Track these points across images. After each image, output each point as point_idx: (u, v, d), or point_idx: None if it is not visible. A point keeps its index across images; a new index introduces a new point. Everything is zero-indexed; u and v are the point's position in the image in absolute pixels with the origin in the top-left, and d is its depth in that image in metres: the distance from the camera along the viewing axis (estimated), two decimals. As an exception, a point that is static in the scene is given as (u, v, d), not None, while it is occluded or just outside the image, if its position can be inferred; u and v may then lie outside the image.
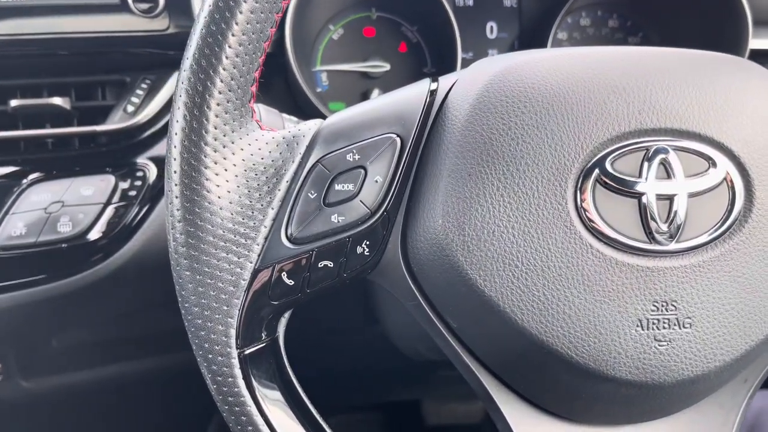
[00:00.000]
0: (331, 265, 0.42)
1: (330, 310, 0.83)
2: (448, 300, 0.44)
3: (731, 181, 0.42)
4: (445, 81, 0.46)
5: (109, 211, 0.65)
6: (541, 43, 0.86)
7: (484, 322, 0.43)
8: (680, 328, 0.42)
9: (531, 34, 0.87)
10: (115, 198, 0.66)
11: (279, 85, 0.77)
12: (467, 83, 0.44)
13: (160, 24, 0.66)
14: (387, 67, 0.85)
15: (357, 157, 0.43)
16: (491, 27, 0.88)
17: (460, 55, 0.79)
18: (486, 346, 0.44)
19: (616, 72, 0.43)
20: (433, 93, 0.45)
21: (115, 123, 0.68)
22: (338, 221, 0.42)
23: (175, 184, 0.41)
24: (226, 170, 0.41)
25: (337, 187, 0.42)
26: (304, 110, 0.75)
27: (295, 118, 0.58)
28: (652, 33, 0.88)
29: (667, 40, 0.86)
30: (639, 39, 0.89)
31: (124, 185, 0.66)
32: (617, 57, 0.45)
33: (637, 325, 0.41)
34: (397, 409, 1.45)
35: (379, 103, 0.45)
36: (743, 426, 0.75)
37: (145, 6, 0.65)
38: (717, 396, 0.47)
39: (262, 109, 0.55)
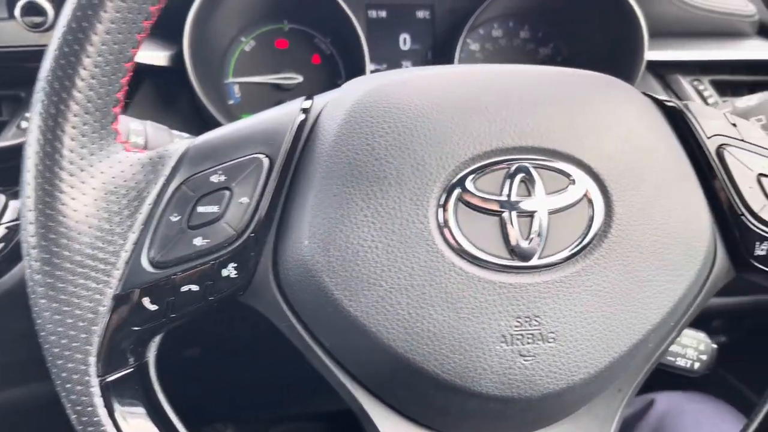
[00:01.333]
0: (197, 289, 0.42)
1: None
2: (318, 320, 0.43)
3: (591, 197, 0.43)
4: (320, 100, 0.46)
5: (0, 230, 0.64)
6: (451, 55, 0.87)
7: (353, 342, 0.43)
8: (544, 343, 0.42)
9: (444, 46, 0.88)
10: (6, 217, 0.64)
11: (186, 101, 0.76)
12: (337, 103, 0.44)
13: (50, 38, 0.65)
14: (300, 79, 0.85)
15: (222, 178, 0.42)
16: (404, 39, 0.89)
17: (368, 67, 0.79)
18: (358, 364, 0.44)
19: (479, 91, 0.44)
20: (306, 112, 0.45)
21: (8, 140, 0.66)
22: (202, 244, 0.41)
23: (29, 210, 0.40)
24: (84, 194, 0.41)
25: (201, 209, 0.42)
26: (209, 124, 0.74)
27: (186, 135, 0.57)
28: (562, 44, 0.90)
29: (575, 52, 0.88)
30: (550, 50, 0.90)
31: (16, 204, 0.64)
32: (482, 76, 0.45)
33: (502, 341, 0.42)
34: (339, 419, 1.45)
35: (249, 122, 0.45)
36: (647, 428, 0.77)
37: (35, 20, 0.64)
38: (592, 407, 0.48)
39: (149, 127, 0.54)
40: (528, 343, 0.42)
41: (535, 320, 0.42)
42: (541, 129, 0.43)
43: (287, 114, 0.44)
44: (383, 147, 0.42)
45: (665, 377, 0.63)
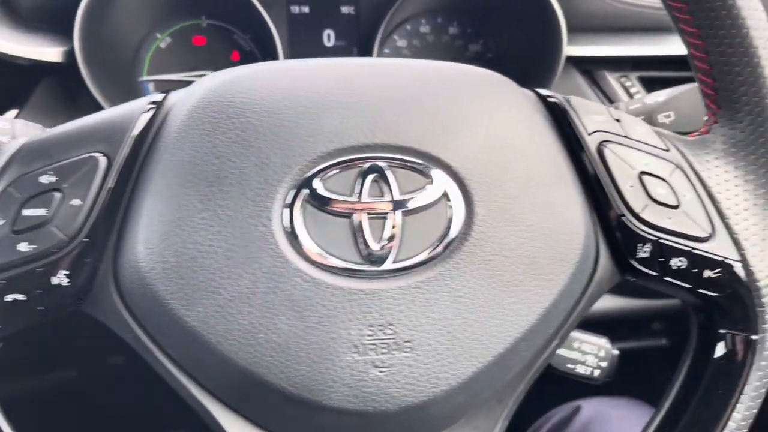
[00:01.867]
0: (23, 299, 0.39)
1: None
2: (161, 330, 0.41)
3: (450, 197, 0.40)
4: (174, 95, 0.43)
5: None
6: (379, 52, 0.84)
7: (196, 353, 0.40)
8: (399, 353, 0.40)
9: (369, 42, 0.86)
10: None
11: (92, 101, 0.73)
12: (185, 98, 0.42)
13: None
14: (217, 76, 0.82)
15: (53, 179, 0.39)
16: (328, 35, 0.86)
17: (283, 64, 0.76)
18: (209, 377, 0.42)
19: (336, 86, 0.41)
20: (157, 107, 0.42)
21: None
22: (27, 250, 0.39)
23: None
24: None
25: (27, 212, 0.39)
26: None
27: None
28: (492, 41, 0.87)
29: (503, 49, 0.86)
30: (479, 47, 0.88)
31: None
32: (343, 70, 0.43)
33: (354, 351, 0.39)
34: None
35: (91, 119, 0.42)
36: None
37: None
38: (471, 419, 0.46)
39: (18, 125, 0.51)
40: (382, 353, 0.40)
41: (390, 328, 0.40)
42: (398, 125, 0.40)
43: (132, 110, 0.42)
44: (225, 144, 0.39)
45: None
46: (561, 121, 0.46)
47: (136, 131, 0.41)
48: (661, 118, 0.60)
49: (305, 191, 0.39)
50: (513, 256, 0.41)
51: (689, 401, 0.48)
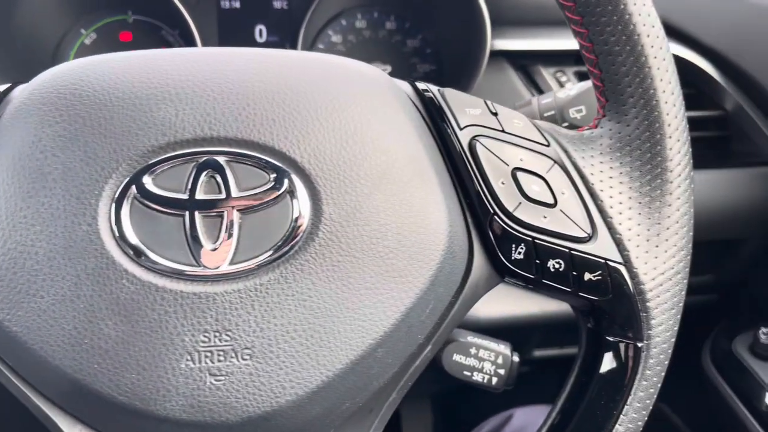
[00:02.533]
0: None
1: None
2: None
3: (295, 195, 0.38)
4: (18, 88, 0.41)
5: None
6: (311, 47, 0.82)
7: (23, 360, 0.38)
8: (239, 360, 0.37)
9: (304, 37, 0.83)
10: None
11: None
12: (21, 91, 0.40)
13: None
14: (143, 73, 0.80)
15: None
16: (260, 30, 0.84)
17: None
18: (42, 382, 0.39)
19: (176, 76, 0.39)
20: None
21: None
22: None
23: None
24: None
25: None
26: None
27: None
28: (430, 36, 0.85)
29: (439, 43, 0.83)
30: (418, 42, 0.85)
31: None
32: (186, 60, 0.40)
33: (188, 359, 0.37)
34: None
35: None
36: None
37: None
38: (342, 429, 0.43)
39: None
40: (219, 360, 0.37)
41: (227, 335, 0.37)
42: (239, 118, 0.38)
43: None
44: (50, 138, 0.37)
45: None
46: (434, 115, 0.44)
47: None
48: (572, 112, 0.57)
49: (133, 189, 0.37)
50: (364, 257, 0.38)
51: (574, 412, 0.45)
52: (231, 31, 0.82)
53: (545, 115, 0.58)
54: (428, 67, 0.85)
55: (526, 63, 0.77)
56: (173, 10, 0.75)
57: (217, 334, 0.37)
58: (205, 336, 0.37)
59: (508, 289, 0.88)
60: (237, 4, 0.83)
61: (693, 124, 0.82)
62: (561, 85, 0.76)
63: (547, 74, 0.76)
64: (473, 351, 0.52)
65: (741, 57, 0.74)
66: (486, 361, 0.52)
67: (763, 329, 0.74)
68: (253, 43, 0.83)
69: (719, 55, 0.75)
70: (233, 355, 0.37)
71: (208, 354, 0.37)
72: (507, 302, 0.83)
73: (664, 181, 0.43)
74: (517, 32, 0.76)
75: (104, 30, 0.80)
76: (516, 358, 0.52)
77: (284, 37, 0.84)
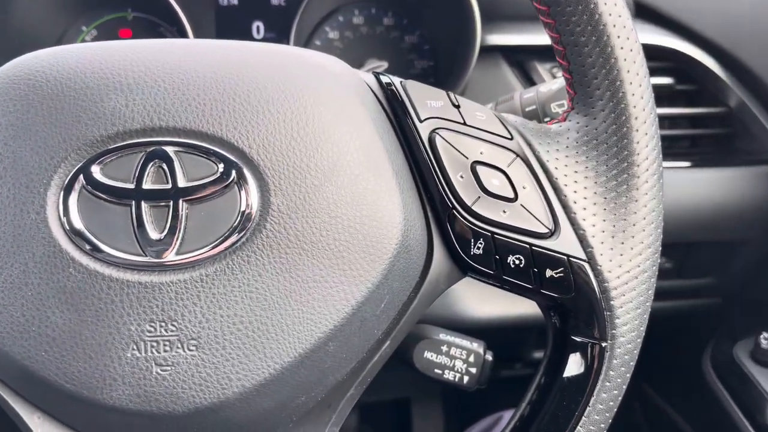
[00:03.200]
0: None
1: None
2: None
3: (243, 186, 0.38)
4: None
5: None
6: (308, 44, 0.82)
7: None
8: (184, 351, 0.37)
9: (302, 34, 0.83)
10: None
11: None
12: None
13: None
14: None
15: None
16: (257, 27, 0.84)
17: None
18: (2, 372, 0.40)
19: (127, 66, 0.39)
20: None
21: None
22: None
23: None
24: None
25: None
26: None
27: None
28: (427, 32, 0.84)
29: (435, 39, 0.82)
30: (416, 38, 0.85)
31: None
32: (141, 50, 0.40)
33: (134, 348, 0.37)
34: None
35: None
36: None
37: None
38: (300, 423, 0.43)
39: None
40: (165, 351, 0.37)
41: (173, 325, 0.37)
42: (188, 108, 0.38)
43: None
44: (4, 127, 0.37)
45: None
46: (395, 107, 0.43)
47: None
48: (554, 107, 0.56)
49: (81, 177, 0.37)
50: (314, 250, 0.38)
51: (536, 414, 0.44)
52: (228, 28, 0.83)
53: (527, 110, 0.56)
54: (426, 63, 0.84)
55: (521, 58, 0.76)
56: (171, 7, 0.76)
57: (163, 324, 0.37)
58: (151, 326, 0.37)
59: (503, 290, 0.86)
60: (235, 1, 0.83)
61: (695, 121, 0.80)
62: (557, 81, 0.74)
63: (542, 70, 0.75)
64: (444, 349, 0.51)
65: (743, 52, 0.71)
66: (458, 359, 0.51)
67: (765, 334, 0.71)
68: (250, 40, 0.84)
69: (721, 50, 0.72)
70: (179, 345, 0.37)
71: (154, 344, 0.37)
72: (504, 303, 0.81)
73: (631, 176, 0.42)
74: (512, 27, 0.74)
75: (104, 27, 0.81)
76: (489, 357, 0.51)
77: (282, 33, 0.84)
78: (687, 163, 0.77)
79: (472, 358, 0.51)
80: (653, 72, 0.76)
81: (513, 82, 0.74)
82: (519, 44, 0.74)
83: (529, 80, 0.75)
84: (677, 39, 0.75)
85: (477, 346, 0.51)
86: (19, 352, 0.37)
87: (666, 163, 0.77)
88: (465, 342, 0.52)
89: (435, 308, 0.78)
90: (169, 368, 0.37)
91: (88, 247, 0.37)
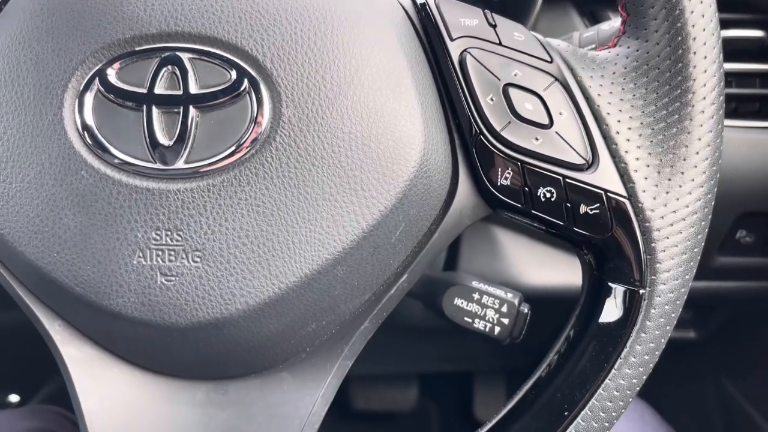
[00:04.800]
0: None
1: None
2: None
3: (256, 96, 0.36)
4: None
5: None
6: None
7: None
8: (189, 262, 0.36)
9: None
10: None
11: None
12: None
13: None
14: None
15: None
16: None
17: None
18: (20, 274, 0.41)
19: None
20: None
21: None
22: None
23: None
24: None
25: None
26: None
27: None
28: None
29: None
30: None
31: None
32: None
33: (140, 255, 0.37)
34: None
35: None
36: None
37: None
38: (313, 355, 0.42)
39: None
40: (170, 260, 0.36)
41: (178, 234, 0.36)
42: (206, 14, 0.37)
43: None
44: (30, 30, 0.38)
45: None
46: (426, 26, 0.40)
47: None
48: (615, 46, 0.51)
49: (97, 80, 0.37)
50: (324, 166, 0.36)
51: (564, 364, 0.40)
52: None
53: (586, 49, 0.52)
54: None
55: (593, 8, 0.70)
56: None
57: (169, 232, 0.36)
58: (156, 234, 0.36)
59: (565, 258, 0.82)
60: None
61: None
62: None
63: (615, 18, 0.69)
64: (476, 296, 0.48)
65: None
66: (489, 308, 0.48)
67: None
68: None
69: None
70: (183, 255, 0.36)
71: (160, 252, 0.36)
72: (564, 270, 0.77)
73: (685, 105, 0.37)
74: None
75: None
76: (525, 310, 0.48)
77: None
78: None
79: (505, 308, 0.48)
80: (743, 24, 0.69)
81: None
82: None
83: (602, 31, 0.70)
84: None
85: (512, 297, 0.48)
86: (33, 252, 0.37)
87: (756, 123, 0.70)
88: (499, 291, 0.48)
89: (486, 270, 0.74)
90: (173, 278, 0.37)
91: (99, 150, 0.36)
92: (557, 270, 0.77)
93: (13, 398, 0.95)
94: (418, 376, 1.39)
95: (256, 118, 0.36)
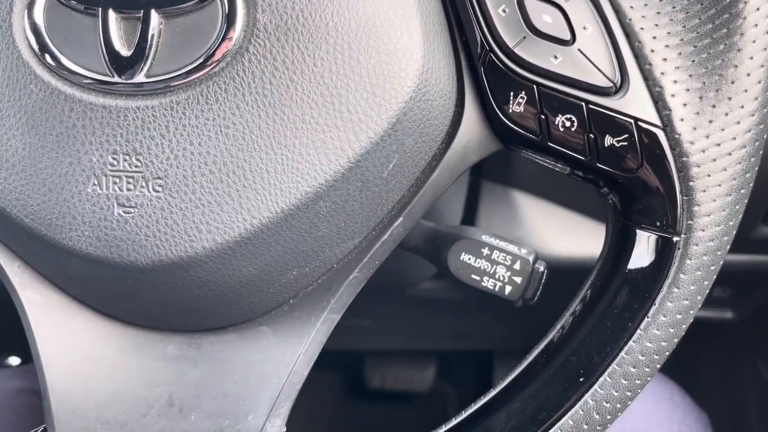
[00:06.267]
0: None
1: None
2: None
3: (228, 1, 0.31)
4: None
5: None
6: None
7: None
8: (149, 191, 0.32)
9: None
10: None
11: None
12: None
13: None
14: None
15: None
16: None
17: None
18: None
19: None
20: None
21: None
22: None
23: None
24: None
25: None
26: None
27: None
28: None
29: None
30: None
31: None
32: None
33: (94, 183, 0.32)
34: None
35: None
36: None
37: None
38: (295, 308, 0.37)
39: None
40: (128, 189, 0.32)
41: (137, 159, 0.32)
42: None
43: None
44: None
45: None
46: None
47: None
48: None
49: None
50: (304, 82, 0.31)
51: (583, 322, 0.35)
52: None
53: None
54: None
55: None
56: None
57: (127, 157, 0.32)
58: (113, 158, 0.32)
59: (593, 226, 0.75)
60: None
61: None
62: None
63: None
64: (486, 252, 0.43)
65: None
66: (500, 264, 0.42)
67: None
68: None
69: None
70: (143, 184, 0.32)
71: (117, 180, 0.32)
72: (590, 240, 0.71)
73: (735, 16, 0.31)
74: None
75: None
76: (540, 268, 0.42)
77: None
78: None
79: (518, 265, 0.42)
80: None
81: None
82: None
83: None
84: None
85: (526, 253, 0.42)
86: None
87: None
88: (512, 247, 0.43)
89: (504, 235, 0.68)
90: (131, 210, 0.32)
91: (51, 60, 0.32)
92: (582, 239, 0.71)
93: (14, 361, 0.93)
94: (436, 357, 1.34)
95: (228, 25, 0.31)
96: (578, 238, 0.70)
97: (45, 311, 0.37)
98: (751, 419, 0.91)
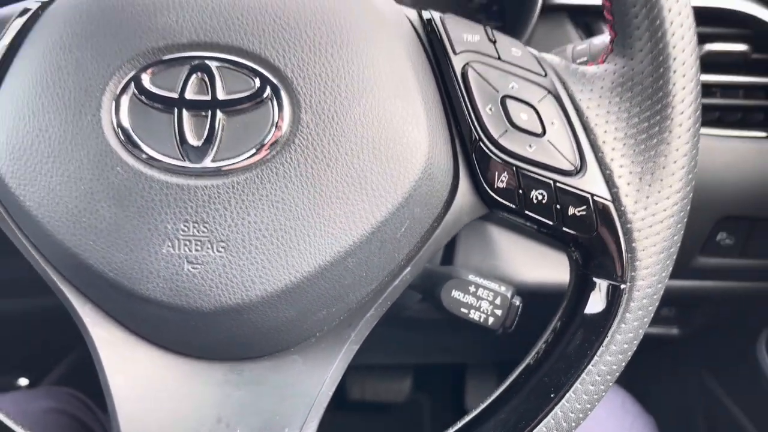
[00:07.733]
0: None
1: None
2: (8, 207, 0.43)
3: (277, 102, 0.40)
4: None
5: None
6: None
7: (34, 233, 0.43)
8: (213, 252, 0.40)
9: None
10: None
11: None
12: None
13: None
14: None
15: None
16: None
17: None
18: (55, 260, 0.44)
19: None
20: (42, 8, 0.45)
21: None
22: None
23: None
24: None
25: None
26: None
27: None
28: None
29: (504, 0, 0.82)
30: (485, -2, 0.84)
31: None
32: None
33: (168, 245, 0.40)
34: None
35: None
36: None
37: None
38: (322, 339, 0.46)
39: None
40: (196, 249, 0.40)
41: (204, 226, 0.40)
42: (233, 27, 0.40)
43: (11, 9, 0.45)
44: (70, 36, 0.41)
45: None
46: (432, 40, 0.44)
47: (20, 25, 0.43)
48: (606, 59, 0.55)
49: (133, 84, 0.40)
50: (338, 167, 0.40)
51: (551, 352, 0.44)
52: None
53: (578, 62, 0.56)
54: (494, 24, 0.84)
55: (588, 20, 0.74)
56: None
57: (196, 224, 0.40)
58: (185, 225, 0.40)
59: (555, 256, 0.85)
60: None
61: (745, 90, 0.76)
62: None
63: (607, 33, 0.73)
64: (472, 289, 0.52)
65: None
66: (484, 300, 0.52)
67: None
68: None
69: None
70: (209, 246, 0.40)
71: (187, 242, 0.40)
72: (554, 267, 0.81)
73: (665, 118, 0.41)
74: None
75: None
76: (516, 302, 0.52)
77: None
78: (762, 134, 0.74)
79: (498, 301, 0.52)
80: (727, 38, 0.73)
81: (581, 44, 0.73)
82: (585, 4, 0.73)
83: (595, 42, 0.74)
84: (755, 4, 0.71)
85: (505, 290, 0.52)
86: (71, 240, 0.41)
87: (738, 133, 0.74)
88: (494, 284, 0.52)
89: (481, 265, 0.78)
90: (199, 266, 0.40)
91: (134, 148, 0.40)
92: (547, 267, 0.81)
93: (23, 382, 0.99)
94: (412, 369, 1.43)
95: (277, 122, 0.40)
96: (544, 267, 0.80)
97: (112, 346, 0.45)
98: (697, 421, 1.02)
